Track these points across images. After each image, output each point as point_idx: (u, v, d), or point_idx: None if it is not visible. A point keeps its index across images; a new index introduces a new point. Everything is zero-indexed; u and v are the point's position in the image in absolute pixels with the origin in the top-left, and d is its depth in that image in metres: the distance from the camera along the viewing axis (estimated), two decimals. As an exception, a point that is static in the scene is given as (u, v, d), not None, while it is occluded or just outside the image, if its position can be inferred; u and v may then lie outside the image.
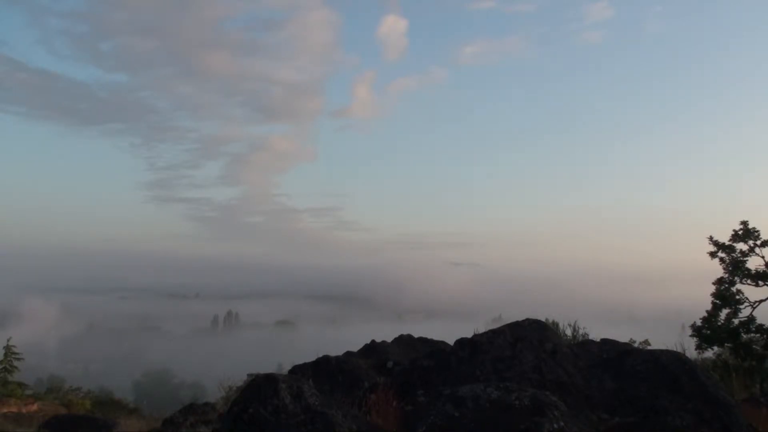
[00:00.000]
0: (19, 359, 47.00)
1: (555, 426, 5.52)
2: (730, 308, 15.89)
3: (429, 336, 12.25)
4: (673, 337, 13.50)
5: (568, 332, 14.74)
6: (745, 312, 15.84)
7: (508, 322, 9.24)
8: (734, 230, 16.45)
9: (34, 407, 30.22)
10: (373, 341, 11.21)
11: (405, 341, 11.73)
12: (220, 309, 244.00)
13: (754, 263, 16.20)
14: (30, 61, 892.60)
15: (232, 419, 6.90)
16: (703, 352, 15.95)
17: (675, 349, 9.52)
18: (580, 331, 14.79)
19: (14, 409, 28.10)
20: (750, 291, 16.06)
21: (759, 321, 15.57)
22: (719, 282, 16.32)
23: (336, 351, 10.49)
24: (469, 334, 9.49)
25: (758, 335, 15.62)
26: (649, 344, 15.13)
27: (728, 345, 15.69)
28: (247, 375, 12.42)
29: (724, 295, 15.99)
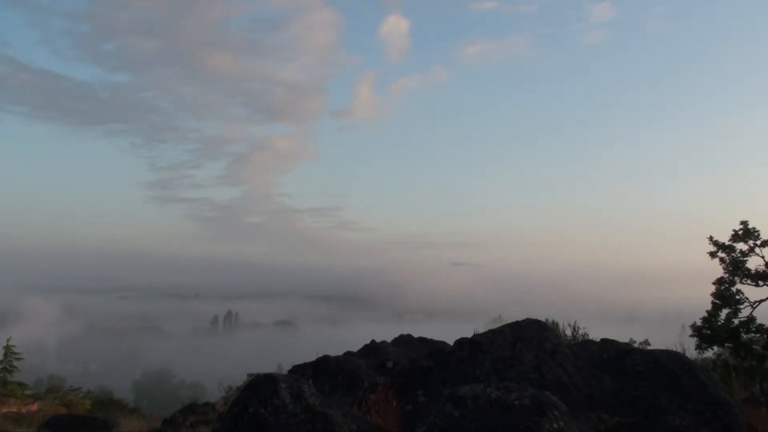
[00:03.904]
0: (19, 359, 47.07)
1: (555, 426, 5.52)
2: (730, 308, 15.90)
3: (429, 336, 12.24)
4: (673, 337, 13.51)
5: (568, 332, 14.74)
6: (745, 312, 15.86)
7: (508, 322, 9.24)
8: (734, 230, 16.47)
9: (34, 407, 30.24)
10: (373, 341, 11.20)
11: (405, 341, 11.72)
12: (220, 309, 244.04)
13: (754, 263, 16.23)
14: (32, 62, 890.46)
15: (232, 419, 6.90)
16: (703, 352, 15.96)
17: (675, 349, 9.51)
18: (580, 331, 14.78)
19: (14, 409, 28.11)
20: (750, 291, 16.08)
21: (759, 321, 15.58)
22: (719, 282, 16.33)
23: (336, 351, 10.48)
24: (469, 334, 9.49)
25: (758, 335, 15.63)
26: (649, 344, 15.13)
27: (728, 345, 15.70)
28: (247, 375, 12.42)
29: (724, 295, 16.00)
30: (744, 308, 15.90)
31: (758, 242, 16.17)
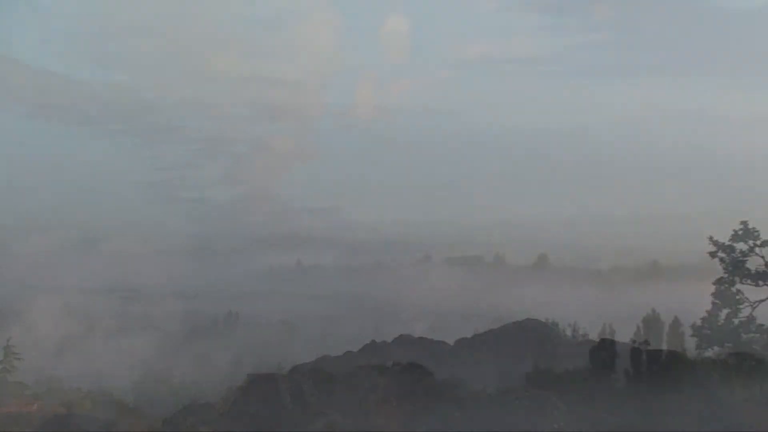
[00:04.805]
0: (18, 359, 46.95)
1: (555, 426, 5.54)
2: (730, 308, 15.92)
3: (429, 336, 12.25)
4: (670, 337, 13.50)
5: (568, 332, 14.76)
6: (745, 312, 15.87)
7: (508, 322, 9.23)
8: (734, 230, 16.48)
9: (34, 407, 30.16)
10: (373, 341, 11.22)
11: (405, 341, 11.73)
12: (220, 309, 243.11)
13: (754, 263, 16.24)
14: (32, 62, 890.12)
15: (232, 419, 6.91)
16: (703, 352, 15.97)
17: (675, 349, 9.52)
18: (580, 331, 14.80)
19: (14, 409, 28.05)
20: (750, 291, 16.12)
21: (759, 321, 15.60)
22: (719, 282, 16.35)
23: (336, 351, 10.47)
24: (469, 334, 9.49)
25: (758, 335, 15.65)
26: (649, 344, 15.16)
27: (728, 345, 15.72)
28: (247, 375, 12.47)
29: (724, 295, 16.01)
30: (744, 308, 15.92)
31: (758, 242, 16.19)
